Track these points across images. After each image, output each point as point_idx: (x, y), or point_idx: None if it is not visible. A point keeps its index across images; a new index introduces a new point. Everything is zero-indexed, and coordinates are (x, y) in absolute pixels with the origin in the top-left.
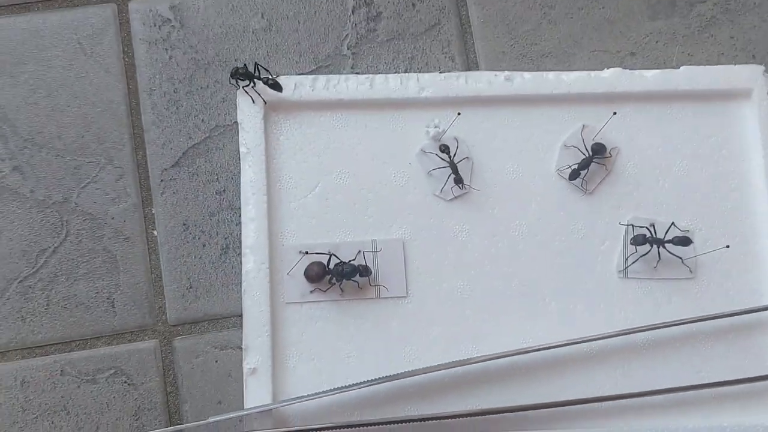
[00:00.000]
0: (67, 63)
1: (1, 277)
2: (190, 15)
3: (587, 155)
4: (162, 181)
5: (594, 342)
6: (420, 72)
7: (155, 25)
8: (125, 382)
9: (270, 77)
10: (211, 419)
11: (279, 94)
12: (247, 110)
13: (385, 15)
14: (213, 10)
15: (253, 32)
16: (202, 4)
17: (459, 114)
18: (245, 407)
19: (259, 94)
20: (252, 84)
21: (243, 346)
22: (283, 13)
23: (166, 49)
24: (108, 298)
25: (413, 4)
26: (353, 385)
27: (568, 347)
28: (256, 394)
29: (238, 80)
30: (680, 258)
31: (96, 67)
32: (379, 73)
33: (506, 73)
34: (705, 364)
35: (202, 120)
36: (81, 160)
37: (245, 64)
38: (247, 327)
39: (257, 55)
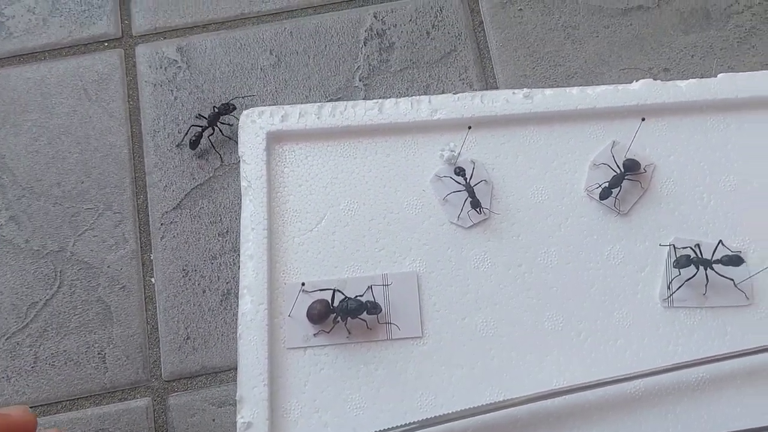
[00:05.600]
0: (70, 109)
1: None
2: (197, 55)
3: (619, 172)
4: (162, 224)
5: (638, 380)
6: None
7: (161, 67)
8: None
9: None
10: None
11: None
12: (249, 142)
13: (398, 45)
14: (220, 50)
15: (261, 69)
16: (209, 44)
17: (470, 128)
18: None
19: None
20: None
21: (237, 397)
22: (293, 49)
23: (171, 90)
24: (99, 353)
25: (427, 33)
26: None
27: (608, 387)
28: None
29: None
30: (732, 281)
31: (100, 111)
32: None
33: (525, 90)
34: None
35: (207, 160)
36: (79, 206)
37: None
38: (242, 376)
39: (265, 92)
